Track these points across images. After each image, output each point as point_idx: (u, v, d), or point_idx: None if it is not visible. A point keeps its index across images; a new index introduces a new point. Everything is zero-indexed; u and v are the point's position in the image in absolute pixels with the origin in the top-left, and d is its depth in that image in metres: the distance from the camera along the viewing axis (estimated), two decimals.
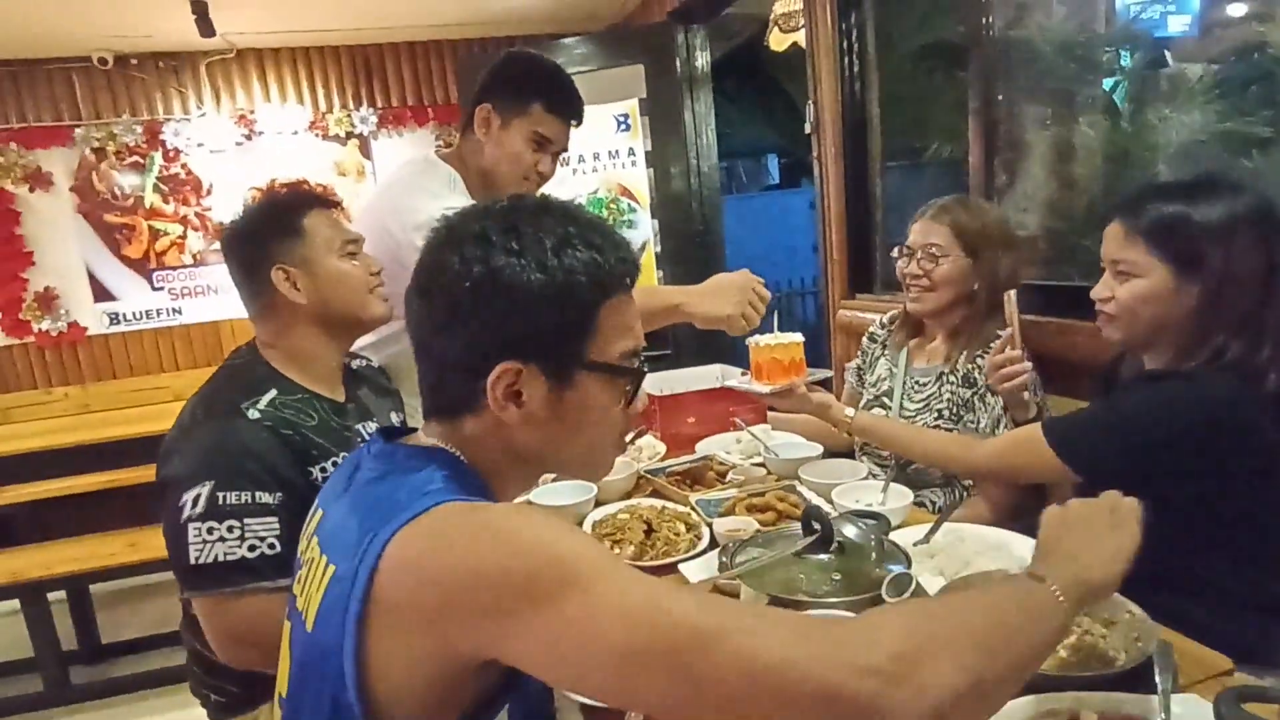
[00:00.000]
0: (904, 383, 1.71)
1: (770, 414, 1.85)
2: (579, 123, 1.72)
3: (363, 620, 0.65)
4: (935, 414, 1.63)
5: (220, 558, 1.07)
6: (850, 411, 1.52)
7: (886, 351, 1.83)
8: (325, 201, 1.33)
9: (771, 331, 1.59)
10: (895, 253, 1.71)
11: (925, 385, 1.69)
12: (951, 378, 1.64)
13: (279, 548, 1.09)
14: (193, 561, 1.08)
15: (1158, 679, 0.81)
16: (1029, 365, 1.40)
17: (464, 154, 1.67)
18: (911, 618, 0.65)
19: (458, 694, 0.67)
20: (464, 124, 1.67)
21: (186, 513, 1.08)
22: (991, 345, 1.56)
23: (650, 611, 0.59)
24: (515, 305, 0.71)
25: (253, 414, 1.15)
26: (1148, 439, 1.12)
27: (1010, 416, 1.47)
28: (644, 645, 0.58)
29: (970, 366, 1.61)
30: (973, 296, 1.63)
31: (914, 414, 1.67)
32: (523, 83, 1.63)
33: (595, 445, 0.81)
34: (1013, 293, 1.45)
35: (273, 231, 1.24)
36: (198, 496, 1.08)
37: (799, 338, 1.53)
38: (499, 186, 1.66)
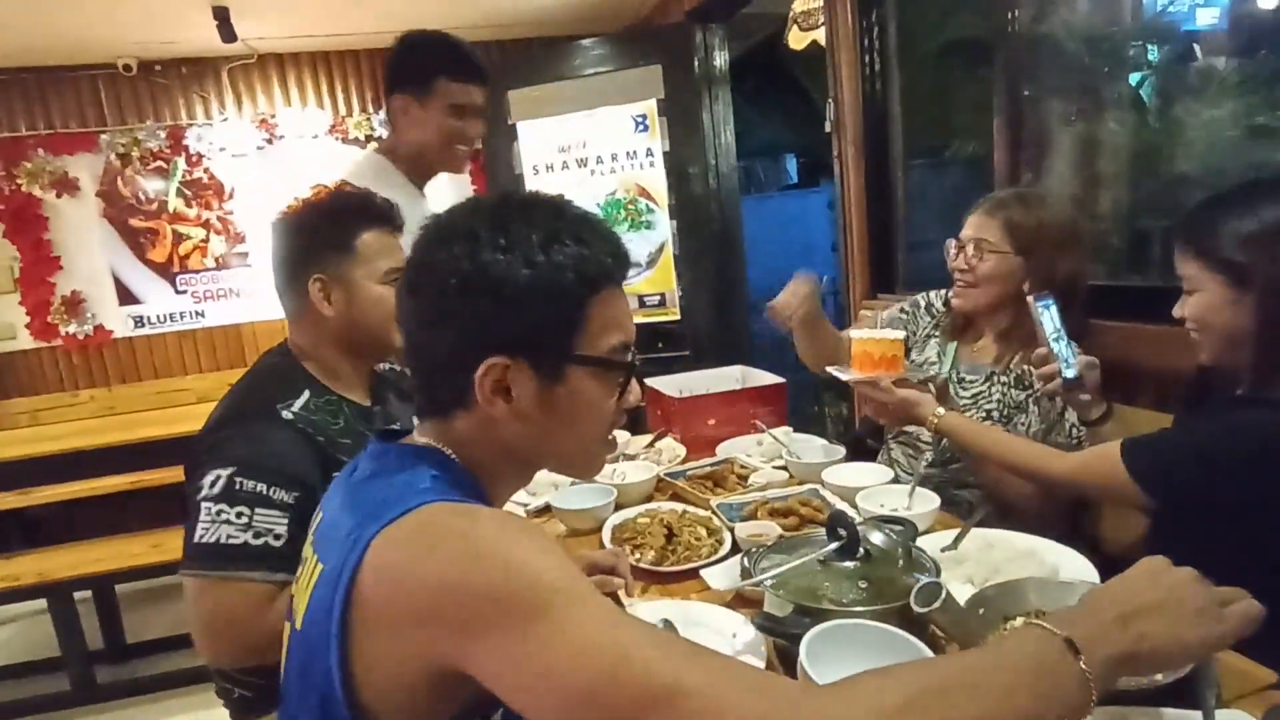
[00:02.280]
0: (951, 377, 1.64)
1: (769, 307, 1.78)
2: (485, 81, 1.78)
3: (346, 619, 0.65)
4: (984, 414, 1.57)
5: (222, 540, 1.07)
6: (941, 410, 1.42)
7: (938, 335, 1.74)
8: (387, 220, 1.28)
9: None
10: (948, 245, 1.64)
11: (974, 383, 1.62)
12: (1004, 378, 1.58)
13: (282, 542, 1.09)
14: (196, 539, 1.08)
15: (1204, 693, 0.78)
16: (1056, 369, 1.34)
17: (394, 145, 1.79)
18: (896, 685, 0.57)
19: (446, 698, 0.66)
20: (389, 118, 1.81)
21: (204, 492, 1.09)
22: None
23: (613, 658, 0.57)
24: (502, 301, 0.71)
25: (287, 415, 1.16)
26: (1225, 470, 1.07)
27: (1079, 417, 1.42)
28: (602, 692, 0.56)
29: (1026, 369, 1.54)
30: (1023, 298, 1.53)
31: (961, 411, 1.62)
32: (423, 64, 1.72)
33: (586, 440, 0.80)
34: (1030, 295, 1.39)
35: (324, 239, 1.23)
36: (217, 478, 1.09)
37: (897, 334, 1.50)
38: (434, 164, 1.79)
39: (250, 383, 1.25)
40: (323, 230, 1.24)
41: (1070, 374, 1.33)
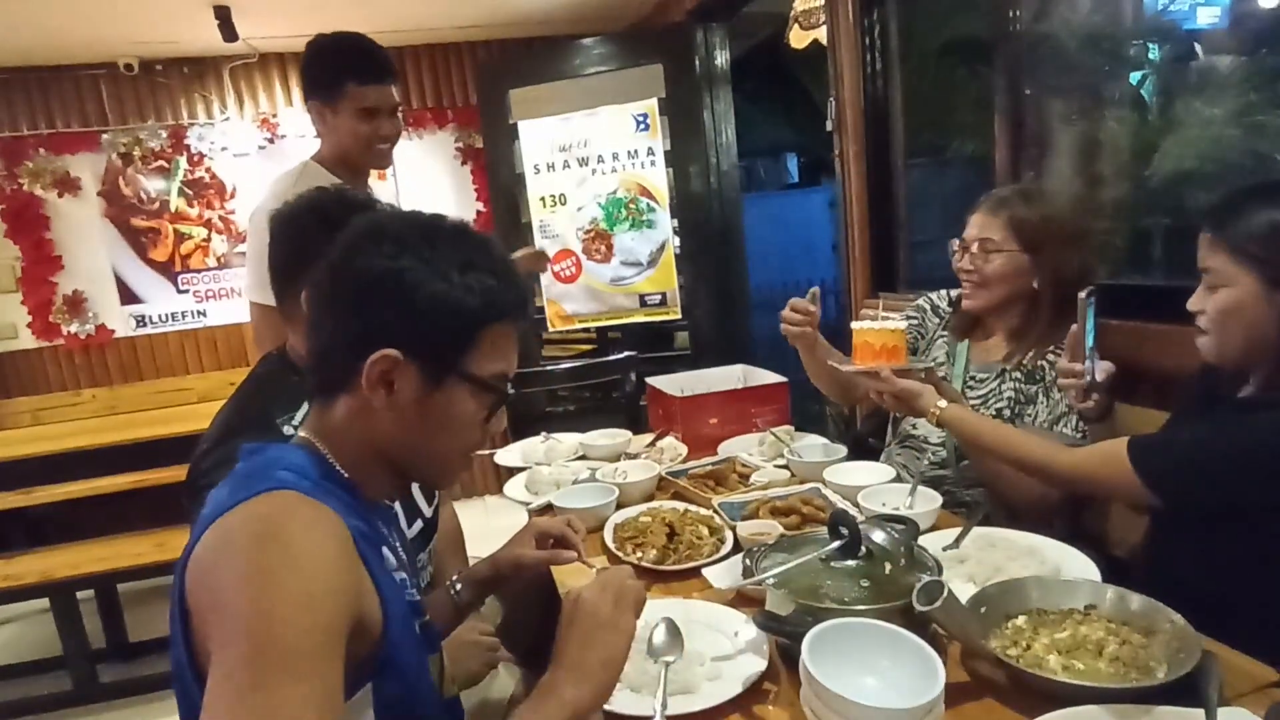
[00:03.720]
0: (962, 376, 1.64)
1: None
2: (393, 78, 1.79)
3: (185, 614, 0.71)
4: (994, 412, 1.56)
5: None
6: (943, 403, 1.40)
7: (946, 334, 1.73)
8: None
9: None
10: (952, 245, 1.62)
11: (984, 381, 1.60)
12: (1016, 374, 1.56)
13: None
14: None
15: (1207, 691, 0.78)
16: (1084, 379, 1.31)
17: (322, 150, 1.82)
18: None
19: None
20: (314, 124, 1.81)
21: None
22: (1063, 342, 1.51)
23: None
24: (412, 305, 0.77)
25: (287, 429, 1.13)
26: (1236, 473, 1.05)
27: (1077, 412, 1.40)
28: None
29: (1040, 363, 1.53)
30: (1033, 295, 1.53)
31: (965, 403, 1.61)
32: (329, 70, 1.74)
33: (447, 450, 0.85)
34: (1083, 293, 1.31)
35: (321, 246, 1.21)
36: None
37: (898, 325, 1.49)
38: (357, 164, 1.81)
39: (246, 395, 1.21)
40: (320, 235, 1.21)
41: (1094, 377, 1.30)
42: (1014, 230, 1.52)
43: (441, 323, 0.78)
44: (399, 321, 0.77)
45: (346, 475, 0.82)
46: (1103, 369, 1.32)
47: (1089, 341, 1.30)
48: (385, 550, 0.85)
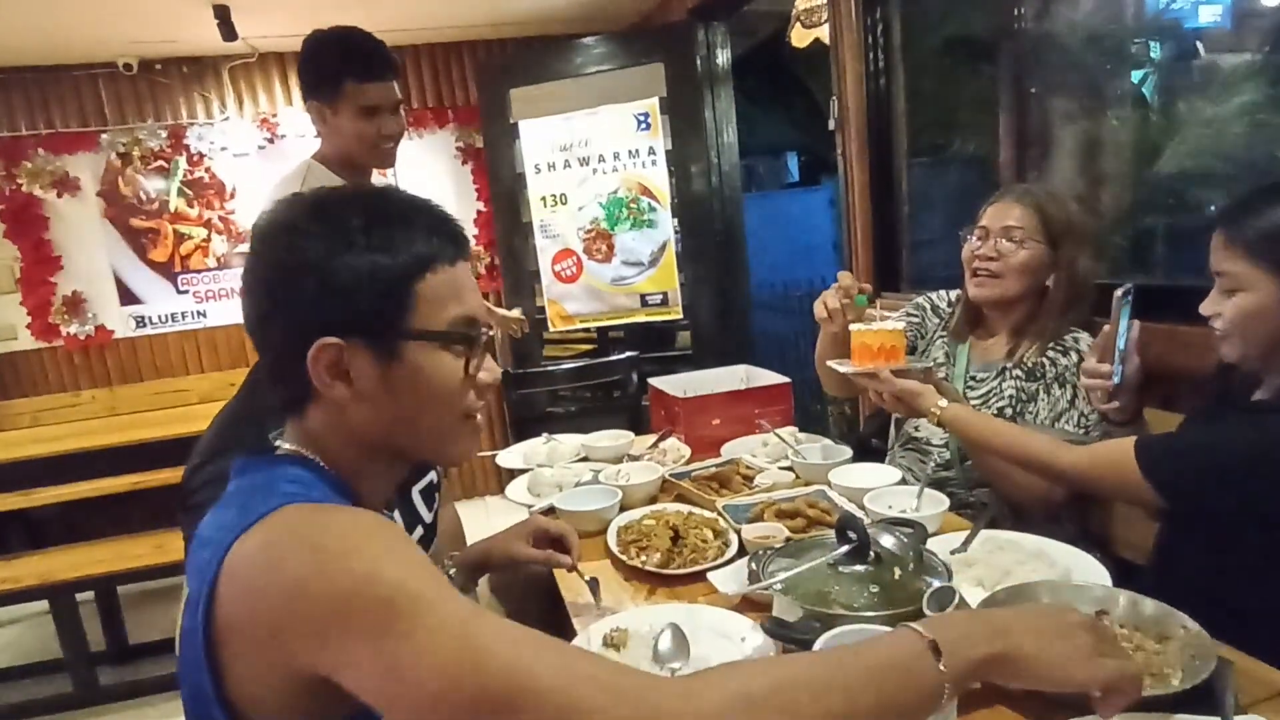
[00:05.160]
0: (963, 377, 1.62)
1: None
2: (395, 73, 1.75)
3: (211, 641, 0.65)
4: (995, 411, 1.54)
5: None
6: (943, 402, 1.38)
7: (946, 335, 1.71)
8: None
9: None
10: (964, 234, 1.59)
11: (984, 380, 1.59)
12: (1017, 372, 1.55)
13: None
14: None
15: (1223, 699, 0.76)
16: (1110, 381, 1.27)
17: (324, 150, 1.79)
18: (761, 675, 0.62)
19: (329, 704, 0.65)
20: (314, 124, 1.78)
21: None
22: (1064, 339, 1.50)
23: (465, 662, 0.58)
24: (325, 285, 0.71)
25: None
26: (1246, 476, 1.03)
27: (1101, 415, 1.37)
28: (454, 697, 0.57)
29: (1039, 360, 1.52)
30: (1044, 292, 1.52)
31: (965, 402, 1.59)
32: (327, 69, 1.69)
33: (439, 418, 0.78)
34: (1119, 291, 1.26)
35: None
36: None
37: (896, 325, 1.48)
38: (361, 164, 1.78)
39: (241, 406, 1.20)
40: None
41: (1118, 380, 1.27)
42: (1042, 221, 1.50)
43: (366, 292, 0.72)
44: (321, 305, 0.72)
45: (344, 481, 0.78)
46: (1133, 367, 1.29)
47: (1120, 343, 1.26)
48: None
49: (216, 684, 0.65)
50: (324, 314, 0.72)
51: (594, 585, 1.20)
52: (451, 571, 1.18)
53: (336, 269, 0.71)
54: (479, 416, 0.82)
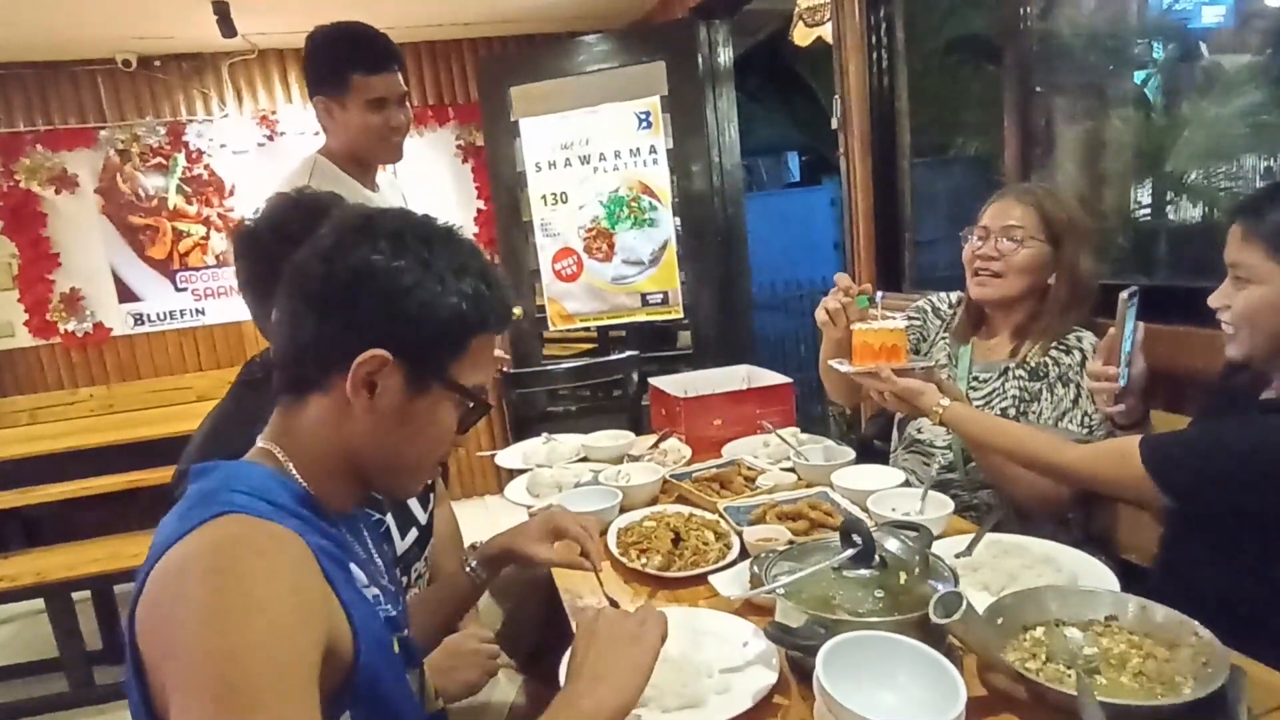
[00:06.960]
0: (965, 378, 1.60)
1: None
2: (399, 65, 1.75)
3: (137, 660, 0.66)
4: (999, 410, 1.53)
5: None
6: (945, 401, 1.36)
7: (948, 336, 1.70)
8: None
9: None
10: (965, 234, 1.58)
11: (987, 381, 1.58)
12: (1019, 371, 1.53)
13: None
14: None
15: (1236, 708, 0.75)
16: (1116, 384, 1.26)
17: (330, 145, 1.79)
18: None
19: None
20: (318, 120, 1.79)
21: None
22: (1067, 339, 1.48)
23: None
24: (407, 306, 0.75)
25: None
26: (1253, 475, 1.01)
27: (1107, 418, 1.35)
28: None
29: (1043, 359, 1.50)
30: (1046, 291, 1.51)
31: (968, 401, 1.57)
32: (333, 63, 1.70)
33: (419, 458, 0.83)
34: (1125, 293, 1.24)
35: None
36: None
37: (898, 324, 1.46)
38: (368, 157, 1.79)
39: (228, 412, 1.18)
40: (281, 248, 1.17)
41: (1124, 382, 1.26)
42: (1043, 219, 1.49)
43: (435, 327, 0.76)
44: (391, 322, 0.75)
45: (305, 487, 0.77)
46: (1138, 370, 1.27)
47: (1126, 346, 1.25)
48: (354, 567, 0.80)
49: (143, 694, 0.66)
50: (390, 329, 0.75)
51: (614, 605, 1.15)
52: (473, 563, 1.17)
53: (421, 297, 0.75)
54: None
